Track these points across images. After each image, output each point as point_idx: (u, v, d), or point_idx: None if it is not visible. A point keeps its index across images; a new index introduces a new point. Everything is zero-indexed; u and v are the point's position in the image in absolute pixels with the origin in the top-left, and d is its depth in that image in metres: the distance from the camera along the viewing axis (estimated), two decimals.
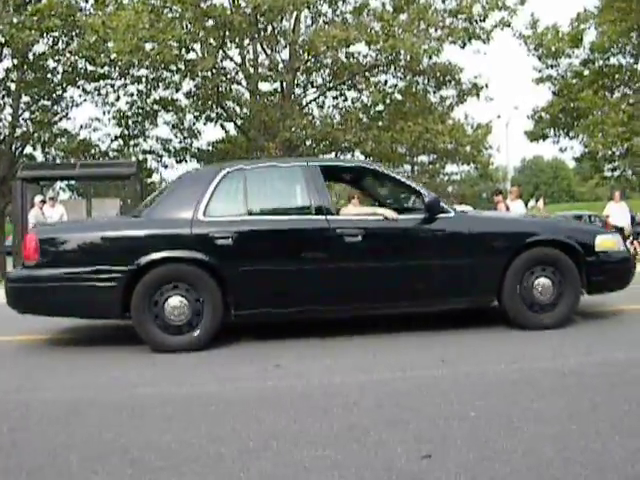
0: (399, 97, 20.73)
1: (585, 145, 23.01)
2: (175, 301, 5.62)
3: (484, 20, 18.70)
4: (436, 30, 18.39)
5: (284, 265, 5.89)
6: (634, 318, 6.85)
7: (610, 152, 22.07)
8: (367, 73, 19.95)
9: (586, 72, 23.30)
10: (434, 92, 21.22)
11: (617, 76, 23.06)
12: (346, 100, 21.14)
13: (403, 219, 6.23)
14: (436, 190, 26.85)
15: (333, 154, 20.95)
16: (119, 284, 5.57)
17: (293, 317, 6.30)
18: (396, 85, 20.84)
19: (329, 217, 5.97)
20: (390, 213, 6.18)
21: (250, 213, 5.97)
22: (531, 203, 15.80)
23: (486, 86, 20.68)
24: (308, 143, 19.79)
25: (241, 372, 4.79)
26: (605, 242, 6.46)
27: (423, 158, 24.37)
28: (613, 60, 22.98)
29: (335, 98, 21.27)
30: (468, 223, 6.28)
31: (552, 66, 23.47)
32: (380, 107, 20.81)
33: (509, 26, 19.17)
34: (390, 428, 3.37)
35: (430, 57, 18.73)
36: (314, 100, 21.26)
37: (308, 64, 19.73)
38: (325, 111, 21.35)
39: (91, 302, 5.70)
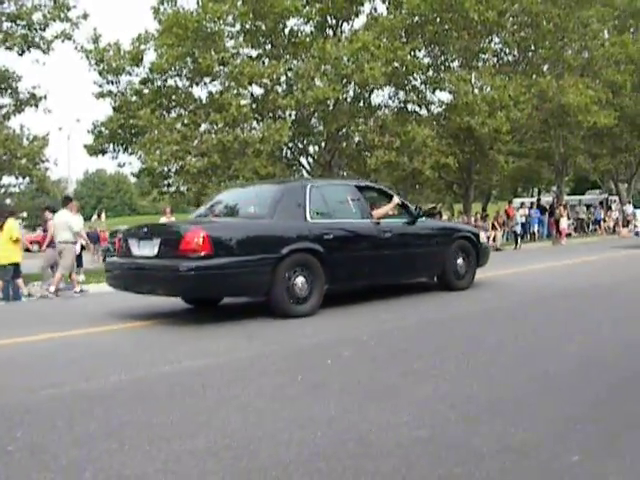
0: None
1: (142, 161, 23.83)
2: (300, 280, 7.84)
3: (44, 29, 18.51)
4: None
5: (356, 253, 8.68)
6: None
7: (166, 169, 23.33)
8: None
9: (145, 91, 24.22)
10: None
11: (174, 97, 24.37)
12: None
13: (403, 221, 9.62)
14: None
15: None
16: (270, 268, 7.55)
17: (361, 287, 9.79)
18: None
19: (372, 220, 9.02)
20: (394, 202, 9.65)
21: (331, 217, 8.60)
22: (94, 217, 16.01)
23: (45, 97, 20.35)
24: None
25: None
26: (482, 236, 11.15)
27: None
28: (171, 81, 24.19)
29: None
30: (431, 224, 10.35)
31: (112, 82, 23.88)
32: None
33: (70, 39, 19.22)
34: None
35: None
36: None
37: None
38: None
39: (254, 283, 7.67)
